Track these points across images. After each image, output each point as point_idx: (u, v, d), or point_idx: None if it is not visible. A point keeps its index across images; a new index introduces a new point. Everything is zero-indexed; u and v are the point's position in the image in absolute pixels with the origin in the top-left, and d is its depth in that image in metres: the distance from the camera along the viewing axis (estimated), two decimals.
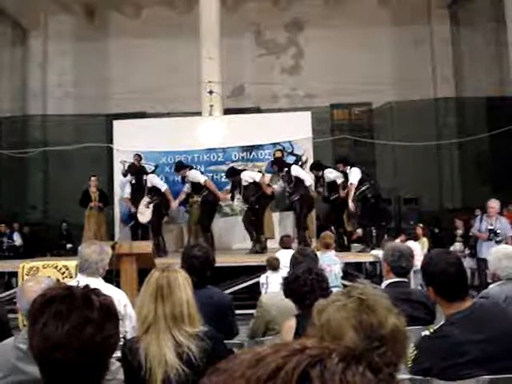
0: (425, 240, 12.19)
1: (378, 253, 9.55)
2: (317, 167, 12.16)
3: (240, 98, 18.21)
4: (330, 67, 17.48)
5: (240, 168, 12.66)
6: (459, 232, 14.02)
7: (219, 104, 14.02)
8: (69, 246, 15.21)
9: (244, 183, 11.69)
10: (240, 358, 0.64)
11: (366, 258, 10.86)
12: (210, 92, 13.67)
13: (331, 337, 1.64)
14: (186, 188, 12.30)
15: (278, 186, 12.31)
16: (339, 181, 11.78)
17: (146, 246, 7.87)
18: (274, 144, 13.60)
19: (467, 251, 12.41)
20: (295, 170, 11.62)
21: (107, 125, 16.54)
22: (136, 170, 12.68)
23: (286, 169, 11.74)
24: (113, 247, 5.86)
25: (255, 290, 8.75)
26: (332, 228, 11.47)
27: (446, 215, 15.96)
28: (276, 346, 0.64)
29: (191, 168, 12.37)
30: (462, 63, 18.23)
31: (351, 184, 10.96)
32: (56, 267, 7.72)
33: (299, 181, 11.47)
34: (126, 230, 12.78)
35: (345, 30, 17.73)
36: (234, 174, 12.01)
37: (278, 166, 12.03)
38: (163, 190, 12.04)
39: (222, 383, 0.60)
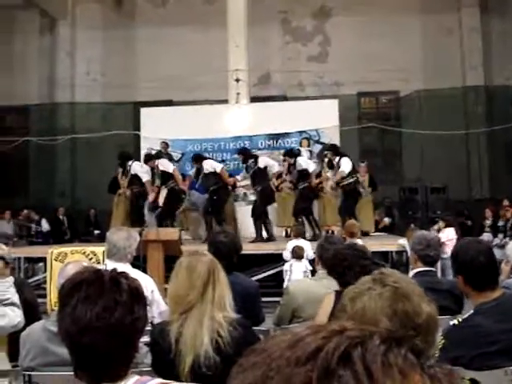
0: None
1: (404, 242, 9.54)
2: (289, 155, 12.08)
3: (267, 86, 18.14)
4: (357, 55, 17.33)
5: (206, 156, 12.66)
6: (488, 222, 13.85)
7: (246, 92, 14.01)
8: (96, 232, 15.35)
9: (205, 171, 11.65)
10: (278, 338, 0.63)
11: (392, 246, 10.80)
12: (237, 80, 13.66)
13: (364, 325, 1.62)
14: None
15: (240, 176, 12.28)
16: (311, 169, 11.78)
17: (173, 233, 7.92)
18: (301, 132, 13.58)
19: (496, 241, 12.26)
20: (263, 161, 11.67)
21: (134, 112, 16.65)
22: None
23: (252, 160, 11.71)
24: (140, 233, 5.90)
25: (280, 278, 8.77)
26: (303, 217, 11.50)
27: (474, 205, 15.78)
28: (314, 327, 0.64)
29: (160, 157, 12.29)
30: (491, 51, 17.95)
31: (341, 171, 11.05)
32: (84, 253, 7.79)
33: (262, 173, 11.49)
34: (153, 217, 12.82)
35: (372, 17, 17.51)
36: (198, 160, 11.97)
37: (244, 156, 11.99)
38: (144, 180, 11.82)
39: (261, 363, 0.60)
